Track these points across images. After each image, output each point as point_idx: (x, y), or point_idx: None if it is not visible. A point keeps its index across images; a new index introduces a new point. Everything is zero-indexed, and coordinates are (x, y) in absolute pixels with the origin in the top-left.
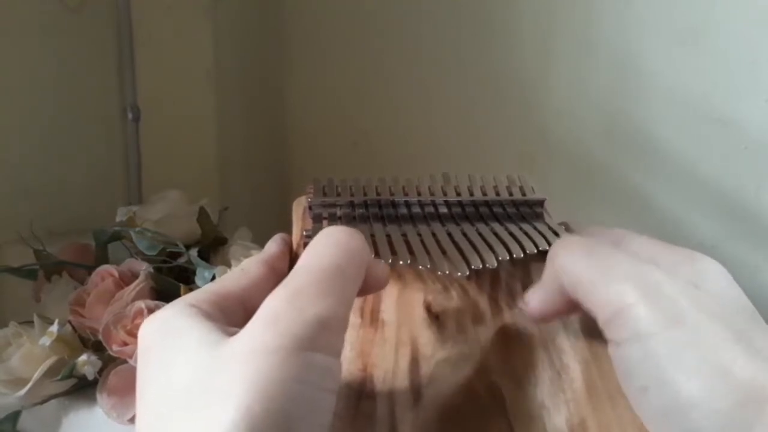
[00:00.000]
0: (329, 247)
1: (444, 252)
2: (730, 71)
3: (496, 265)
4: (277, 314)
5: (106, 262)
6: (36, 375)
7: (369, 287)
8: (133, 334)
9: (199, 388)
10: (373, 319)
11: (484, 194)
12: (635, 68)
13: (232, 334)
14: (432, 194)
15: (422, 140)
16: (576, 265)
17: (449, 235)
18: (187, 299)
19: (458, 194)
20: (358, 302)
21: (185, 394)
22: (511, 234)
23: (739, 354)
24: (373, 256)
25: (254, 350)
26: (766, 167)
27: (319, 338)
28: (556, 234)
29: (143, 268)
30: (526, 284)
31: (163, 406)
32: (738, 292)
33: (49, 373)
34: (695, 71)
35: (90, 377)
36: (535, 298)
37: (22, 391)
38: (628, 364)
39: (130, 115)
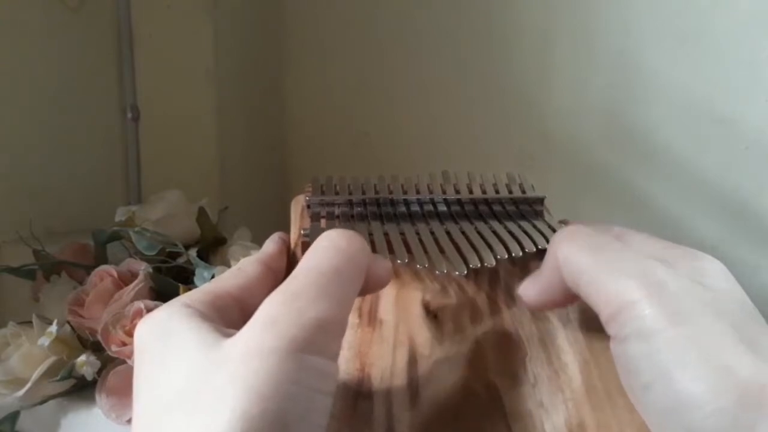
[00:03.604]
0: (328, 251)
1: (442, 251)
2: (730, 71)
3: (494, 264)
4: (275, 316)
5: (105, 262)
6: (35, 375)
7: (371, 286)
8: (131, 334)
9: (195, 389)
10: (371, 318)
11: (484, 192)
12: (635, 68)
13: (228, 335)
14: (431, 192)
15: (422, 140)
16: (579, 258)
17: (448, 233)
18: (182, 299)
19: (457, 192)
20: (356, 302)
21: (181, 395)
22: (510, 233)
23: (742, 353)
24: (374, 256)
25: (251, 352)
26: (766, 167)
27: (317, 341)
28: (556, 232)
29: (142, 268)
30: None
31: (159, 406)
32: (739, 290)
33: (48, 373)
34: (695, 71)
35: (89, 377)
36: (533, 288)
37: (21, 392)
38: (630, 361)
39: (129, 115)
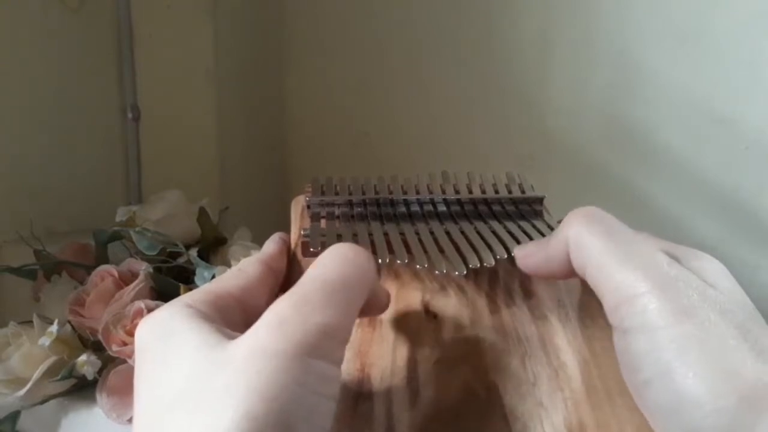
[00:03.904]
0: (337, 260)
1: (442, 251)
2: (730, 71)
3: (493, 263)
4: (282, 320)
5: (106, 262)
6: (35, 375)
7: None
8: (132, 334)
9: (197, 388)
10: (371, 318)
11: (483, 192)
12: (635, 68)
13: (229, 336)
14: (431, 193)
15: (422, 140)
16: (589, 241)
17: (447, 233)
18: (184, 299)
19: (457, 192)
20: None
21: (183, 394)
22: (510, 232)
23: (746, 353)
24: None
25: (256, 353)
26: (766, 167)
27: (322, 346)
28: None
29: (143, 268)
30: (525, 283)
31: (161, 406)
32: (739, 290)
33: (49, 373)
34: (695, 71)
35: (89, 377)
36: (535, 255)
37: (22, 391)
38: (632, 354)
39: (130, 115)
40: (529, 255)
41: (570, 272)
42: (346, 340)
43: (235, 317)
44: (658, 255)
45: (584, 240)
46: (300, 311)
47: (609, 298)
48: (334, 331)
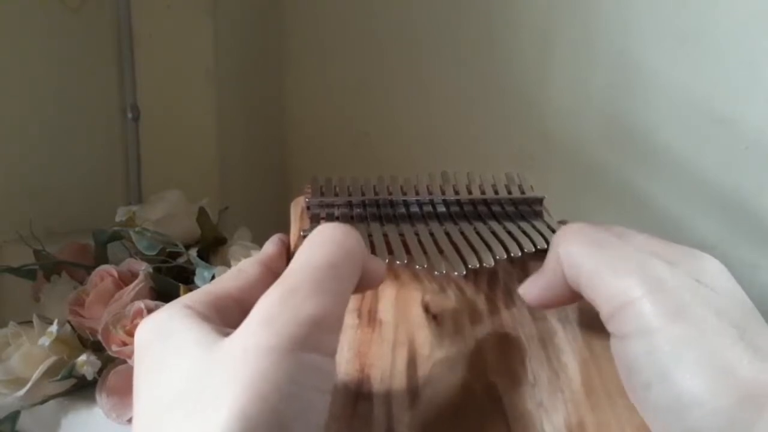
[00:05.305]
0: (323, 245)
1: (441, 251)
2: (730, 71)
3: (493, 264)
4: (271, 314)
5: (106, 262)
6: (35, 375)
7: (365, 284)
8: (132, 334)
9: (194, 389)
10: (371, 319)
11: (483, 193)
12: (635, 68)
13: (227, 335)
14: (430, 193)
15: (422, 140)
16: (579, 255)
17: (447, 234)
18: (183, 300)
19: (456, 193)
20: (355, 303)
21: (182, 394)
22: (510, 233)
23: (742, 352)
24: (369, 252)
25: (248, 351)
26: (766, 167)
27: (313, 338)
28: (555, 232)
29: (143, 268)
30: None
31: (160, 406)
32: (738, 289)
33: (49, 373)
34: (695, 71)
35: (89, 377)
36: (535, 286)
37: (22, 392)
38: (630, 359)
39: (129, 115)
40: (530, 289)
41: (576, 294)
42: (338, 329)
43: (234, 318)
44: (648, 258)
45: (574, 254)
46: (289, 303)
47: (604, 306)
48: (325, 321)
